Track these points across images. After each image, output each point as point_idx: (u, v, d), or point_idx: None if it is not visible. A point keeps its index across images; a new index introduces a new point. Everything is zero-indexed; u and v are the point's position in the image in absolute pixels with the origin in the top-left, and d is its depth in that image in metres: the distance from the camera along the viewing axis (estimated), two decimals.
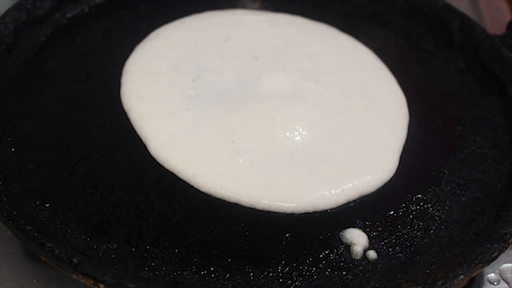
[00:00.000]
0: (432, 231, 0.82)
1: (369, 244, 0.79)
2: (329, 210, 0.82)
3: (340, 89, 0.99)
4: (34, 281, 0.78)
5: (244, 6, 1.19)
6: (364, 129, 0.93)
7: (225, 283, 0.73)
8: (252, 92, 0.95)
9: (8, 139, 0.87)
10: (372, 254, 0.78)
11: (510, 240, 0.76)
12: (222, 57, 1.02)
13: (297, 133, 0.89)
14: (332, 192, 0.83)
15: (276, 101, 0.94)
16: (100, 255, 0.74)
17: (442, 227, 0.82)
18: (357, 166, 0.87)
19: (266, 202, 0.81)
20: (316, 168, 0.85)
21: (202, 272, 0.74)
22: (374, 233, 0.80)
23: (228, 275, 0.74)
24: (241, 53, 1.03)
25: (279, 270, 0.75)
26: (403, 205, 0.85)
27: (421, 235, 0.81)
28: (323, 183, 0.84)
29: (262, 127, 0.90)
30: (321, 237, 0.79)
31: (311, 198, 0.82)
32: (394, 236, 0.80)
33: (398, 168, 0.89)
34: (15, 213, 0.74)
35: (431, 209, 0.85)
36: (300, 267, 0.76)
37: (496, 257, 0.74)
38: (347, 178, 0.85)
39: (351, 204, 0.83)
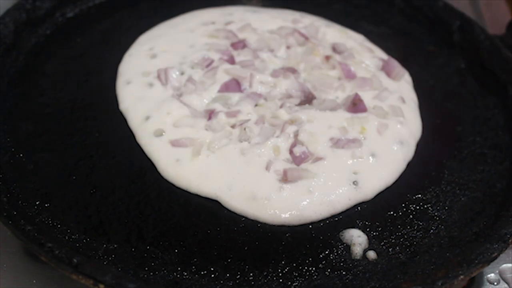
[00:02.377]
0: (432, 231, 0.82)
1: (369, 244, 0.79)
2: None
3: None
4: (34, 281, 0.78)
5: (244, 4, 1.19)
6: (370, 134, 0.90)
7: (225, 283, 0.73)
8: (251, 93, 0.94)
9: (8, 139, 0.87)
10: (372, 254, 0.78)
11: (510, 240, 0.76)
12: (220, 56, 1.01)
13: (299, 138, 0.87)
14: (334, 197, 0.82)
15: (278, 103, 0.93)
16: (100, 255, 0.74)
17: (442, 227, 0.82)
18: (363, 174, 0.85)
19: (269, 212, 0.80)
20: (318, 176, 0.83)
21: (202, 272, 0.74)
22: (374, 233, 0.80)
23: (228, 275, 0.74)
24: (241, 52, 1.02)
25: (279, 270, 0.75)
26: (403, 205, 0.85)
27: (421, 235, 0.81)
28: (326, 191, 0.82)
29: (263, 129, 0.88)
30: (321, 237, 0.79)
31: (313, 206, 0.81)
32: (394, 236, 0.80)
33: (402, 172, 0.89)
34: (15, 213, 0.75)
35: (431, 209, 0.84)
36: (300, 267, 0.76)
37: (496, 257, 0.74)
38: (352, 186, 0.84)
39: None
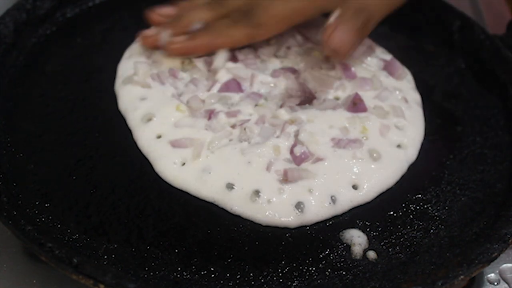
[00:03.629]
0: (432, 231, 0.82)
1: (369, 244, 0.79)
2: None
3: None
4: (34, 281, 0.78)
5: None
6: (372, 135, 0.90)
7: (225, 283, 0.73)
8: (251, 93, 0.94)
9: (8, 139, 0.87)
10: (372, 254, 0.78)
11: (510, 240, 0.76)
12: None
13: (300, 138, 0.87)
14: (335, 199, 0.82)
15: (278, 103, 0.92)
16: (100, 255, 0.74)
17: (442, 227, 0.82)
18: (365, 175, 0.85)
19: (268, 214, 0.80)
20: (319, 177, 0.83)
21: (202, 272, 0.74)
22: (374, 233, 0.80)
23: (228, 275, 0.74)
24: (242, 52, 1.01)
25: (279, 270, 0.75)
26: (403, 205, 0.85)
27: (421, 235, 0.81)
28: (327, 193, 0.82)
29: (263, 129, 0.88)
30: (321, 237, 0.79)
31: (314, 209, 0.81)
32: (394, 236, 0.80)
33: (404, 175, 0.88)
34: (15, 213, 0.75)
35: (431, 209, 0.85)
36: (300, 267, 0.76)
37: (496, 257, 0.74)
38: (353, 188, 0.83)
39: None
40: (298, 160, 0.84)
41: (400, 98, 0.97)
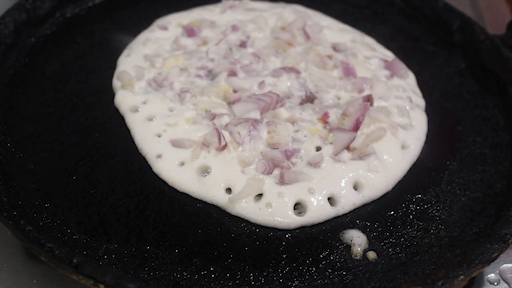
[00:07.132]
0: (432, 231, 0.82)
1: (369, 244, 0.79)
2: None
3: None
4: (34, 281, 0.78)
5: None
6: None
7: (225, 283, 0.73)
8: (252, 93, 0.94)
9: (9, 140, 0.87)
10: (372, 254, 0.78)
11: (510, 240, 0.76)
12: (218, 57, 1.01)
13: (300, 137, 0.87)
14: (336, 200, 0.82)
15: (279, 102, 0.92)
16: (100, 255, 0.74)
17: (442, 227, 0.82)
18: (366, 176, 0.84)
19: (268, 218, 0.80)
20: (319, 179, 0.83)
21: (202, 272, 0.74)
22: (374, 234, 0.80)
23: (228, 275, 0.74)
24: (243, 53, 1.02)
25: (279, 271, 0.75)
26: (403, 205, 0.85)
27: (421, 235, 0.81)
28: (328, 194, 0.82)
29: (262, 129, 0.88)
30: (321, 237, 0.79)
31: (315, 212, 0.81)
32: (394, 236, 0.80)
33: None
34: (15, 213, 0.75)
35: (431, 209, 0.85)
36: (300, 267, 0.76)
37: (496, 257, 0.74)
38: (354, 189, 0.84)
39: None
40: (287, 155, 0.83)
41: (404, 98, 0.97)
